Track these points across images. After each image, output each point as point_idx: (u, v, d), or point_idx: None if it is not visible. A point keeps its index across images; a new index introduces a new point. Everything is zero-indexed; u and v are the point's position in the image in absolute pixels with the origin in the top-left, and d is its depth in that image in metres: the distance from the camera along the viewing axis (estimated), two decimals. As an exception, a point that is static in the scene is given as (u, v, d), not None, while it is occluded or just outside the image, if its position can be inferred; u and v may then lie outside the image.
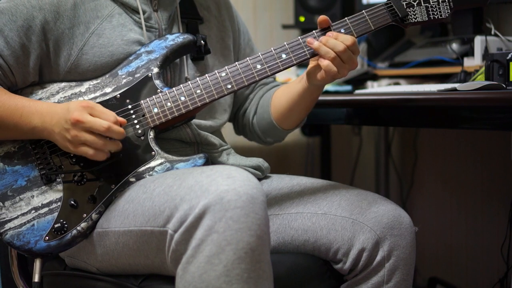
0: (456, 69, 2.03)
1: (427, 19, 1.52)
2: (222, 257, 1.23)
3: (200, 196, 1.27)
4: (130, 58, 1.54)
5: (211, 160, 1.59)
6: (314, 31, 1.53)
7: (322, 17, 1.52)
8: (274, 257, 1.45)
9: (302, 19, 2.68)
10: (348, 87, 2.17)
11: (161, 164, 1.49)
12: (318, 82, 1.56)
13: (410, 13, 1.51)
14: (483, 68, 1.68)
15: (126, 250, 1.43)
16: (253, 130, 1.78)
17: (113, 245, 1.45)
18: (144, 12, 1.57)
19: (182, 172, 1.40)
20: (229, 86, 1.51)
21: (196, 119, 1.60)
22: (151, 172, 1.48)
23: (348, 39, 1.49)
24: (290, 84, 1.70)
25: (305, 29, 2.70)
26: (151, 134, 1.50)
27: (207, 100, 1.51)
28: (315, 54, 1.52)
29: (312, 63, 1.55)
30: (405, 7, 1.51)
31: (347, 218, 1.53)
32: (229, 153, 1.68)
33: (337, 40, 1.48)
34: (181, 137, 1.59)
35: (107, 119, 1.42)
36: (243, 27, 1.81)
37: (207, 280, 1.24)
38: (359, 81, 2.26)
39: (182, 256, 1.28)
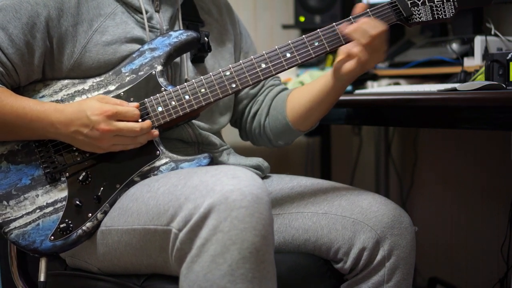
0: (456, 69, 2.03)
1: (431, 18, 1.51)
2: (227, 257, 1.23)
3: (205, 196, 1.27)
4: (134, 55, 1.53)
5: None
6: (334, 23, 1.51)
7: (358, 5, 1.51)
8: (275, 257, 1.45)
9: (302, 19, 2.67)
10: (348, 87, 2.16)
11: (166, 163, 1.48)
12: (346, 76, 1.53)
13: (414, 12, 1.50)
14: (483, 68, 1.68)
15: (129, 249, 1.43)
16: (263, 133, 1.74)
17: (116, 243, 1.45)
18: (146, 12, 1.57)
19: (186, 171, 1.40)
20: (234, 85, 1.50)
21: (195, 121, 1.60)
22: (155, 172, 1.48)
23: (381, 25, 1.47)
24: (309, 84, 1.68)
25: (305, 29, 2.70)
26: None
27: (212, 100, 1.50)
28: (319, 54, 1.51)
29: (339, 57, 1.53)
30: (409, 6, 1.50)
31: (348, 217, 1.53)
32: (229, 153, 1.68)
33: (371, 23, 1.46)
34: (183, 136, 1.59)
35: (132, 117, 1.44)
36: (244, 31, 1.80)
37: (211, 279, 1.24)
38: (359, 81, 2.26)
39: (186, 255, 1.28)
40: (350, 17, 1.51)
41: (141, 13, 1.56)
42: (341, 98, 1.90)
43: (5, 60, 1.48)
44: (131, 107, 1.45)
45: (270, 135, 1.73)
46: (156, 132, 1.48)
